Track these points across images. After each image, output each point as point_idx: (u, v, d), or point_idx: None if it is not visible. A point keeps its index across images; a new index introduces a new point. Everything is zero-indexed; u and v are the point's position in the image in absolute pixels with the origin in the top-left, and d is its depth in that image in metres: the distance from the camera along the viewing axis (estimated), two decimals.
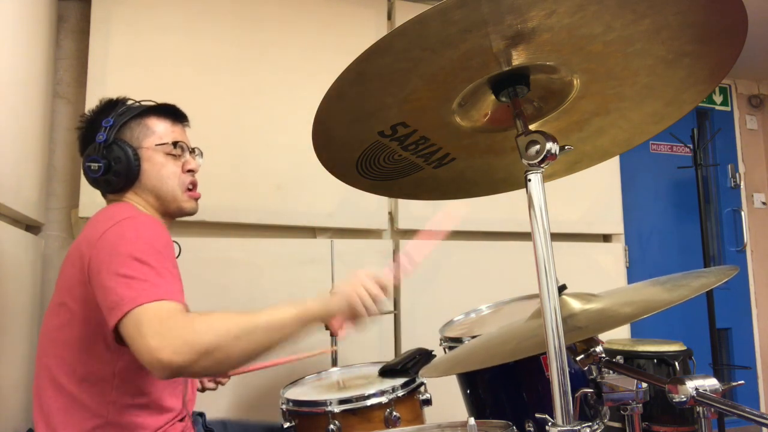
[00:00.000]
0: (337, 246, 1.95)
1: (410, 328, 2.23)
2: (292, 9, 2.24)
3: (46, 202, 1.91)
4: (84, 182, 1.66)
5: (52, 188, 1.97)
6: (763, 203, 3.43)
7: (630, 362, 1.95)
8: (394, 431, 1.18)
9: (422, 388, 1.34)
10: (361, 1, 2.36)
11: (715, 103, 3.42)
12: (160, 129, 1.22)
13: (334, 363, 1.75)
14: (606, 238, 2.79)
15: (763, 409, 3.20)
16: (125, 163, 1.16)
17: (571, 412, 0.67)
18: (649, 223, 3.11)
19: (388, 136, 0.81)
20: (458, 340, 1.37)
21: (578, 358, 0.84)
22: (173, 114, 1.27)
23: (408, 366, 1.38)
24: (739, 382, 0.78)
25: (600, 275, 2.63)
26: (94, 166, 1.15)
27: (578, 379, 1.06)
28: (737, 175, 3.37)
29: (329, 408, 1.22)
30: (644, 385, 0.83)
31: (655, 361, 1.94)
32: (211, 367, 0.91)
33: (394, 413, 1.23)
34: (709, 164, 3.23)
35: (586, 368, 0.85)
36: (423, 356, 1.46)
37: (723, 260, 3.31)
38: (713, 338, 2.52)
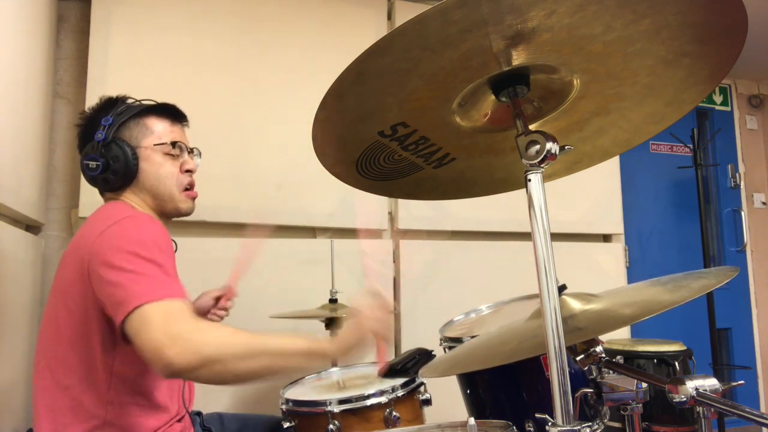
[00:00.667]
0: (337, 246, 1.95)
1: (410, 328, 2.23)
2: (292, 9, 2.24)
3: (46, 202, 1.91)
4: (84, 182, 1.65)
5: (52, 188, 1.97)
6: (763, 203, 3.43)
7: (630, 362, 1.95)
8: (394, 431, 1.18)
9: (422, 388, 1.34)
10: (361, 1, 2.36)
11: (715, 103, 3.42)
12: (159, 129, 1.23)
13: (334, 363, 1.75)
14: (606, 238, 2.79)
15: (763, 409, 3.20)
16: (123, 162, 1.16)
17: (571, 412, 0.67)
18: (649, 223, 3.11)
19: (388, 136, 0.81)
20: (458, 340, 1.37)
21: (578, 358, 0.84)
22: (172, 114, 1.27)
23: (408, 366, 1.38)
24: (739, 382, 0.78)
25: (600, 275, 2.63)
26: (92, 164, 1.15)
27: (578, 379, 1.06)
28: (737, 175, 3.37)
29: (329, 408, 1.22)
30: (644, 385, 0.82)
31: (655, 361, 1.94)
32: (210, 378, 0.92)
33: (394, 413, 1.23)
34: (709, 164, 3.23)
35: (586, 368, 0.85)
36: (423, 356, 1.45)
37: (723, 260, 3.30)
38: (713, 338, 2.52)
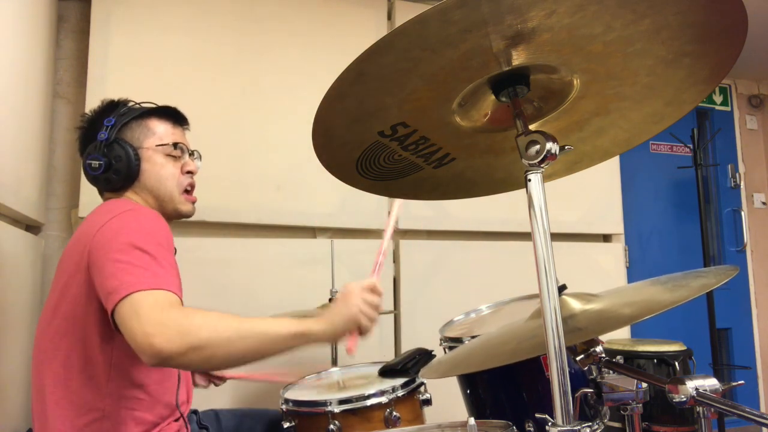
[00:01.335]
0: (337, 246, 1.95)
1: (410, 328, 2.23)
2: (292, 9, 2.24)
3: (46, 202, 1.91)
4: (84, 182, 1.66)
5: (52, 188, 1.97)
6: (763, 203, 3.43)
7: (630, 362, 1.95)
8: (394, 431, 1.18)
9: (422, 388, 1.34)
10: (361, 1, 2.36)
11: (715, 103, 3.42)
12: (161, 130, 1.24)
13: (334, 363, 1.75)
14: (606, 238, 2.78)
15: (763, 409, 3.20)
16: (125, 162, 1.17)
17: (571, 412, 0.67)
18: (649, 223, 3.11)
19: (388, 136, 0.81)
20: (458, 340, 1.37)
21: (578, 358, 0.84)
22: (174, 116, 1.29)
23: (408, 366, 1.38)
24: (739, 382, 0.78)
25: (600, 275, 2.63)
26: (95, 163, 1.16)
27: (578, 379, 1.06)
28: (737, 175, 3.37)
29: (329, 408, 1.22)
30: (644, 385, 0.82)
31: (655, 361, 1.94)
32: (198, 363, 0.93)
33: (394, 413, 1.23)
34: (709, 164, 3.23)
35: (586, 368, 0.85)
36: (423, 356, 1.46)
37: (723, 260, 3.31)
38: (713, 338, 2.52)
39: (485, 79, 0.75)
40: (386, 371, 1.41)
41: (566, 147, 0.72)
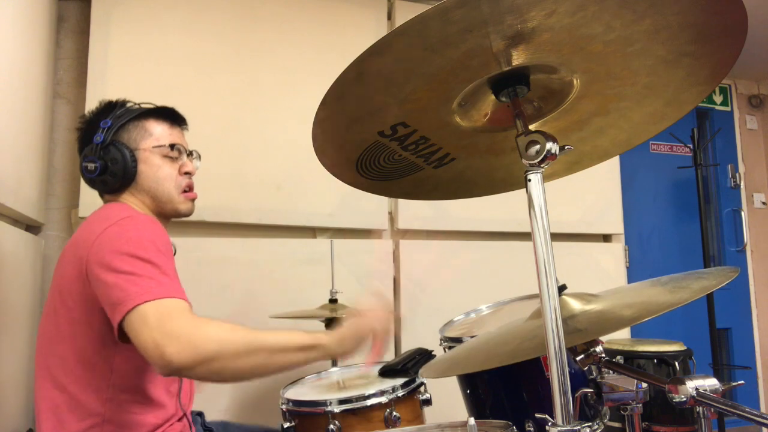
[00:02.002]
0: (337, 246, 1.95)
1: (410, 328, 2.23)
2: (292, 9, 2.24)
3: (46, 202, 1.91)
4: (84, 182, 1.66)
5: (52, 188, 1.97)
6: (763, 203, 3.43)
7: (630, 362, 1.94)
8: (394, 431, 1.18)
9: (422, 388, 1.34)
10: (361, 1, 2.36)
11: (715, 103, 3.42)
12: (158, 131, 1.23)
13: (334, 363, 1.75)
14: (606, 238, 2.79)
15: (763, 409, 3.20)
16: (122, 164, 1.16)
17: (571, 412, 0.67)
18: (649, 223, 3.11)
19: (388, 136, 0.81)
20: (458, 340, 1.37)
21: (578, 358, 0.84)
22: (171, 117, 1.27)
23: (408, 366, 1.38)
24: (739, 382, 0.78)
25: (600, 275, 2.63)
26: (91, 166, 1.16)
27: (578, 379, 1.06)
28: (737, 175, 3.37)
29: (329, 408, 1.22)
30: (644, 385, 0.82)
31: (655, 361, 1.94)
32: (209, 375, 0.92)
33: (394, 413, 1.23)
34: (709, 164, 3.23)
35: (586, 368, 0.85)
36: (423, 356, 1.46)
37: (723, 260, 3.30)
38: (713, 338, 2.52)
39: (485, 79, 0.75)
40: (386, 371, 1.41)
41: (566, 147, 0.72)
